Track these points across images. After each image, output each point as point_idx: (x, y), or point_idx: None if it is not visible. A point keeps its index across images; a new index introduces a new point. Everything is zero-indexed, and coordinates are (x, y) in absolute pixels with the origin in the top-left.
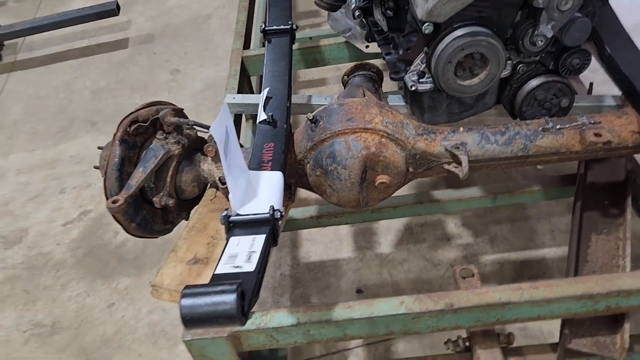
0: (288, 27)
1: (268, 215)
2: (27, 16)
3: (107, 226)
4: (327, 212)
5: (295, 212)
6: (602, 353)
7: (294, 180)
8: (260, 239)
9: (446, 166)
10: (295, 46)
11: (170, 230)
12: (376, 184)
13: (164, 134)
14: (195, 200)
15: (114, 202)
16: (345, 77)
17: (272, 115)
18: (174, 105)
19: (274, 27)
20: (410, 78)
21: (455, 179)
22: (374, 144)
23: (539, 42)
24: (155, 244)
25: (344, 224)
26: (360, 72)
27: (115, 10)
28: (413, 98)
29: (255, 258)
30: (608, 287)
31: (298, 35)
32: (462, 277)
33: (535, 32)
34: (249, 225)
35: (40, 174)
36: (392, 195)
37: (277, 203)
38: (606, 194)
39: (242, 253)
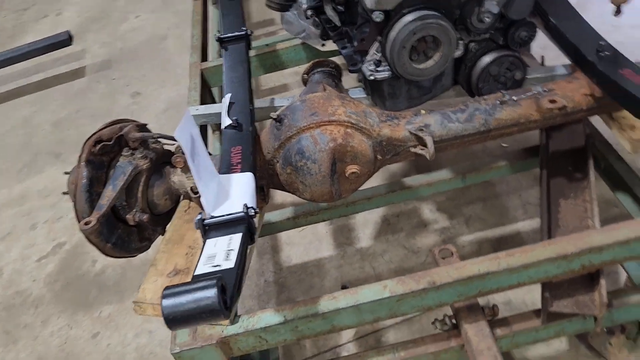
0: (243, 32)
1: (242, 213)
2: None
3: (84, 256)
4: (303, 211)
5: (272, 216)
6: (582, 311)
7: (265, 181)
8: (236, 238)
9: (412, 149)
10: (252, 53)
11: (147, 247)
12: (347, 175)
13: (130, 150)
14: (170, 213)
15: (86, 223)
16: (305, 75)
17: (236, 120)
18: (136, 121)
19: (229, 35)
20: (367, 68)
21: (424, 163)
22: (340, 135)
23: (486, 19)
24: (135, 267)
25: (321, 221)
26: (319, 69)
27: (68, 41)
28: (373, 88)
29: (234, 255)
30: (580, 246)
31: (255, 43)
32: (442, 258)
33: (481, 9)
34: (224, 226)
35: (8, 212)
36: (364, 186)
37: (251, 202)
38: (569, 160)
39: (220, 253)
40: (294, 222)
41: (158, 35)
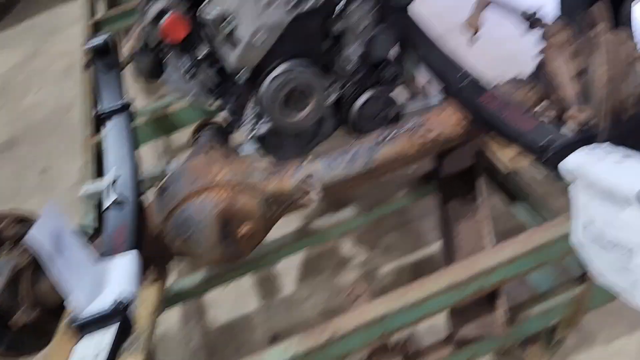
0: (122, 104)
1: (114, 306)
2: None
3: None
4: (214, 274)
5: (184, 283)
6: (486, 333)
7: (161, 255)
8: (107, 337)
9: (301, 200)
10: (143, 119)
11: (49, 341)
12: (241, 235)
13: (8, 248)
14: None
15: None
16: (192, 137)
17: (119, 196)
18: (15, 213)
19: (108, 108)
20: (248, 124)
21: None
22: (224, 199)
23: (350, 63)
24: None
25: (233, 280)
26: (206, 129)
27: None
28: (260, 142)
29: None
30: (469, 272)
31: (147, 107)
32: (353, 300)
33: (344, 54)
34: (96, 324)
35: None
36: (274, 236)
37: (129, 288)
38: (462, 181)
39: (89, 357)
40: (206, 285)
41: (63, 107)
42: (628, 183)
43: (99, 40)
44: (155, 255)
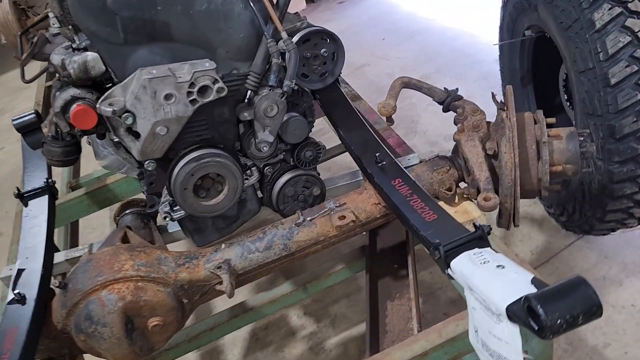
0: (44, 185)
1: None
2: None
3: None
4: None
5: None
6: None
7: (67, 350)
8: None
9: (217, 287)
10: (82, 191)
11: None
12: (150, 328)
13: None
14: None
15: None
16: (115, 218)
17: (20, 293)
18: None
19: (29, 189)
20: (163, 209)
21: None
22: (129, 292)
23: (264, 148)
24: None
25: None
26: (129, 210)
27: None
28: (180, 224)
29: None
30: None
31: (85, 178)
32: None
33: (257, 140)
34: None
35: None
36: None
37: None
38: (393, 257)
39: None
40: None
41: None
42: (500, 297)
43: (26, 117)
44: (61, 351)
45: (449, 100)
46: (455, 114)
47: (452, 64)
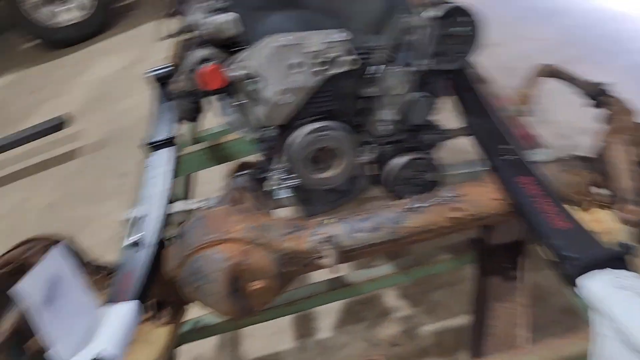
0: (168, 138)
1: None
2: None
3: None
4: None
5: (212, 318)
6: None
7: (175, 298)
8: None
9: (319, 261)
10: (201, 145)
11: None
12: (251, 291)
13: None
14: None
15: None
16: (228, 177)
17: (139, 238)
18: (52, 239)
19: (156, 140)
20: (276, 176)
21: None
22: (236, 254)
23: (385, 126)
24: None
25: (261, 322)
26: (244, 172)
27: (61, 125)
28: (291, 193)
29: None
30: None
31: (202, 132)
32: None
33: (378, 117)
34: None
35: None
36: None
37: (114, 341)
38: (506, 256)
39: None
40: (234, 324)
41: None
42: None
43: (162, 69)
44: (171, 297)
45: (602, 97)
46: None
47: (597, 49)
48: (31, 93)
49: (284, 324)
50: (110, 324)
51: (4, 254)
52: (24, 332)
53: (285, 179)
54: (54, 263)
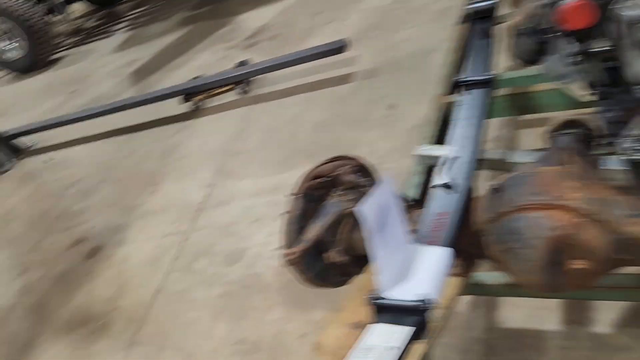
0: (488, 77)
1: (417, 304)
2: (274, 54)
3: None
4: None
5: (487, 276)
6: None
7: (474, 251)
8: (402, 334)
9: None
10: (502, 91)
11: (345, 282)
12: (570, 269)
13: (342, 191)
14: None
15: (289, 254)
16: (551, 134)
17: (453, 180)
18: (357, 160)
19: (470, 78)
20: (627, 144)
21: None
22: (566, 224)
23: None
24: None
25: (542, 297)
26: (569, 130)
27: (342, 48)
28: (632, 167)
29: (391, 358)
30: None
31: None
32: None
33: None
34: (394, 313)
35: (263, 199)
36: None
37: (435, 288)
38: None
39: (378, 348)
40: (511, 290)
41: (428, 48)
42: None
43: (483, 3)
44: (468, 249)
45: None
46: None
47: None
48: (312, 15)
49: (553, 301)
50: (427, 267)
51: (317, 166)
52: (324, 243)
53: (635, 150)
54: (385, 192)
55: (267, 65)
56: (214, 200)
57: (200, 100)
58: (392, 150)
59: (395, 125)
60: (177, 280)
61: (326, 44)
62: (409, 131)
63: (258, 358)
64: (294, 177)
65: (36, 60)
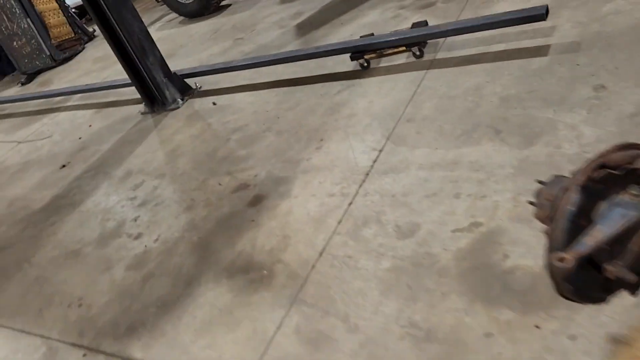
0: None
1: None
2: (451, 17)
3: (496, 246)
4: None
5: None
6: None
7: None
8: None
9: None
10: None
11: (603, 301)
12: None
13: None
14: None
15: (560, 259)
16: None
17: None
18: None
19: None
20: None
21: None
22: None
23: None
24: (547, 283)
25: None
26: None
27: (543, 15)
28: None
29: None
30: None
31: None
32: None
33: None
34: None
35: (438, 173)
36: None
37: None
38: None
39: None
40: None
41: None
42: None
43: None
44: None
45: None
46: None
47: None
48: None
49: None
50: None
51: (604, 153)
52: (605, 252)
53: None
54: None
55: (451, 28)
56: (383, 165)
57: (370, 59)
58: (598, 139)
59: (602, 110)
60: (342, 244)
61: (525, 9)
62: (621, 120)
63: (432, 350)
64: (476, 153)
65: (205, 5)
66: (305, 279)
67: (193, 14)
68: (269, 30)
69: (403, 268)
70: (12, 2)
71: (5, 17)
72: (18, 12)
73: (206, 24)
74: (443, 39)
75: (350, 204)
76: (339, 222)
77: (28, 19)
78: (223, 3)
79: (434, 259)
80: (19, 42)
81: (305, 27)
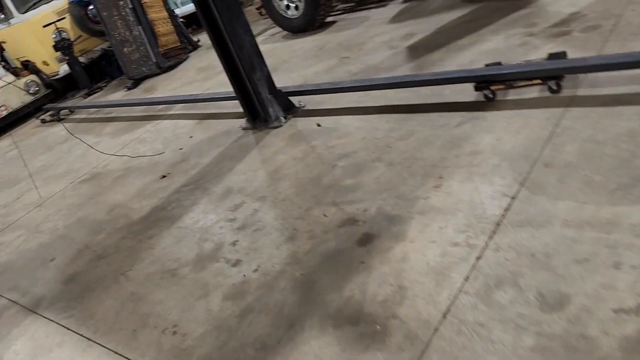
0: None
1: None
2: (592, 49)
3: None
4: None
5: None
6: None
7: None
8: None
9: None
10: None
11: None
12: None
13: None
14: None
15: None
16: None
17: None
18: None
19: None
20: None
21: None
22: None
23: None
24: None
25: None
26: None
27: None
28: None
29: None
30: None
31: None
32: None
33: None
34: None
35: (590, 234)
36: None
37: None
38: None
39: None
40: None
41: None
42: None
43: None
44: None
45: None
46: None
47: None
48: None
49: None
50: None
51: None
52: None
53: None
54: None
55: (600, 62)
56: (518, 216)
57: (497, 90)
58: None
59: None
60: (471, 307)
61: None
62: None
63: None
64: (637, 215)
65: (310, 21)
66: (426, 345)
67: (298, 30)
68: (378, 51)
69: (552, 350)
70: (128, 10)
71: (120, 25)
72: (132, 19)
73: (310, 40)
74: (584, 73)
75: (478, 258)
76: (466, 278)
77: (140, 27)
78: (328, 20)
79: (592, 344)
80: (129, 49)
81: (418, 50)
